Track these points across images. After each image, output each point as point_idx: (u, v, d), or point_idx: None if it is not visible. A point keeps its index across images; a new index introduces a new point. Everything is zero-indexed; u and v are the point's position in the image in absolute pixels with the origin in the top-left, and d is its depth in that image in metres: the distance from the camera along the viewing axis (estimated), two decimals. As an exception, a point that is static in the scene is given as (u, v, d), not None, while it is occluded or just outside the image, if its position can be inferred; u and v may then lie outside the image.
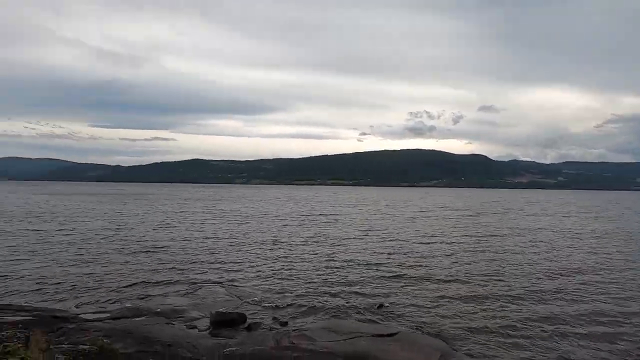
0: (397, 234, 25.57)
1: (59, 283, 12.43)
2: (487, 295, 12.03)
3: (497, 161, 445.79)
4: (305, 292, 11.94)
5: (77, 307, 10.11)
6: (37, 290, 11.73)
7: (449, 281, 13.51)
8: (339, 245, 20.55)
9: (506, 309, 10.83)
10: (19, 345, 3.72)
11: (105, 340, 6.05)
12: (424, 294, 11.97)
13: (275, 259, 16.77)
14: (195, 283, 12.79)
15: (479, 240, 23.50)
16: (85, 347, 5.75)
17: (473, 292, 12.32)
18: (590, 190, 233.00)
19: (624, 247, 22.07)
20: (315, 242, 21.69)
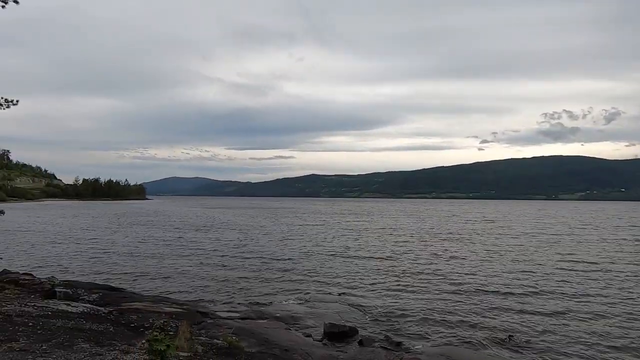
0: (534, 257, 21.79)
1: (203, 283, 14.67)
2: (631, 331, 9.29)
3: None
4: (423, 312, 11.23)
5: (215, 305, 11.69)
6: (189, 287, 14.10)
7: (602, 321, 10.79)
8: (462, 266, 18.79)
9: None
10: (170, 332, 4.45)
11: (233, 338, 6.81)
12: (565, 330, 9.88)
13: (392, 276, 16.33)
14: (312, 293, 13.42)
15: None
16: (218, 341, 6.58)
17: (619, 330, 9.69)
18: None
19: None
20: (436, 260, 20.33)
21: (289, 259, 20.15)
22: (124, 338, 6.31)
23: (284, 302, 12.28)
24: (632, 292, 13.54)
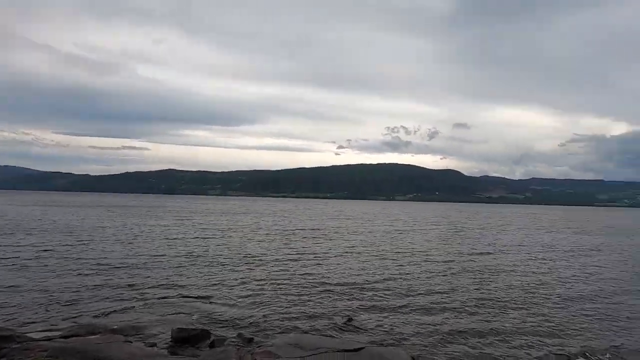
0: (376, 249, 25.42)
1: (14, 301, 11.54)
2: (454, 309, 12.18)
3: (469, 176, 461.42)
4: (275, 308, 11.67)
5: (25, 326, 9.39)
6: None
7: (422, 297, 13.55)
8: (313, 260, 20.32)
9: (469, 320, 11.00)
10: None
11: (49, 361, 5.58)
12: (394, 309, 11.95)
13: (252, 275, 16.34)
14: (160, 299, 12.23)
15: (461, 256, 23.66)
16: (24, 369, 5.27)
17: (442, 307, 12.43)
18: (558, 206, 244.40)
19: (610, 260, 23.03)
20: (297, 257, 21.29)
21: (135, 264, 17.81)
22: None
23: (124, 312, 10.83)
24: (455, 278, 17.14)
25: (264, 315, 10.87)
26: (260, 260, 19.91)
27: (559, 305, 12.76)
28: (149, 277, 15.31)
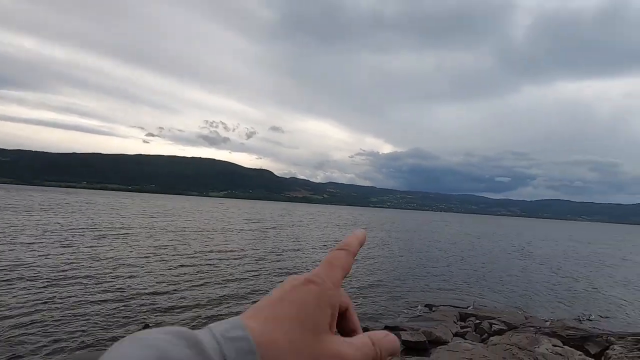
0: (188, 250, 23.31)
1: None
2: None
3: (280, 177, 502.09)
4: (50, 326, 8.72)
5: None
6: None
7: (232, 300, 13.11)
8: (104, 267, 16.66)
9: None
10: None
11: None
12: (195, 317, 10.98)
13: (15, 290, 11.65)
14: None
15: (274, 254, 24.56)
16: None
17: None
18: (346, 206, 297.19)
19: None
20: (87, 263, 16.81)
21: None
22: None
23: None
24: (265, 280, 17.30)
25: (28, 336, 7.84)
26: (25, 272, 14.61)
27: (356, 294, 14.92)
28: None
